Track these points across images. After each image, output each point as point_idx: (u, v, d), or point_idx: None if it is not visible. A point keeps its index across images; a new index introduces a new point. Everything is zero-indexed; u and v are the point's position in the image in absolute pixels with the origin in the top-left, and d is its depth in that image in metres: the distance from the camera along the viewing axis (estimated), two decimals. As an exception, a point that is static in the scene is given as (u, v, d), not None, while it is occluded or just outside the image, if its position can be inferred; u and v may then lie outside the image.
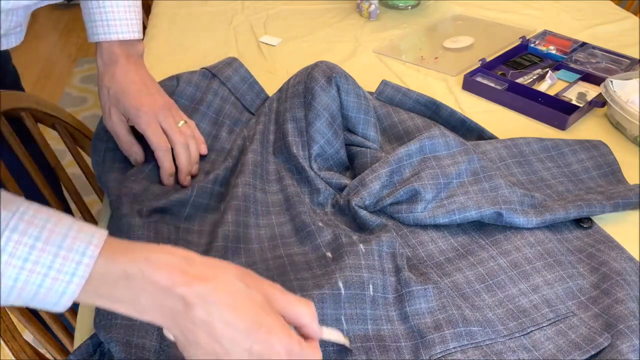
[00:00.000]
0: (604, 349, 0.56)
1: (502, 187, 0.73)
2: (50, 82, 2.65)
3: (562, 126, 0.91)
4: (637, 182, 0.79)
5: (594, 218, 0.73)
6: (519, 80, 1.03)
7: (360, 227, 0.71)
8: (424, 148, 0.76)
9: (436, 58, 1.14)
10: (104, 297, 0.43)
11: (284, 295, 0.46)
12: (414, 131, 0.83)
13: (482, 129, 0.87)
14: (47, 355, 0.74)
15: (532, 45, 1.15)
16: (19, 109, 0.84)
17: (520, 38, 1.17)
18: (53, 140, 1.02)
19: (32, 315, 0.70)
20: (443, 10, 1.35)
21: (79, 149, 0.95)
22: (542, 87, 1.02)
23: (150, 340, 0.55)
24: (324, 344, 0.55)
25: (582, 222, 0.72)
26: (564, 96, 0.99)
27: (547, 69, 1.06)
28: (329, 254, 0.65)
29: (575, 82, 1.03)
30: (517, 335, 0.58)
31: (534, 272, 0.65)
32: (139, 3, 0.79)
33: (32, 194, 0.84)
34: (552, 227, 0.71)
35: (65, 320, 0.78)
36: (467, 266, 0.66)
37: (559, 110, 0.92)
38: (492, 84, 1.01)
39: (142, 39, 0.80)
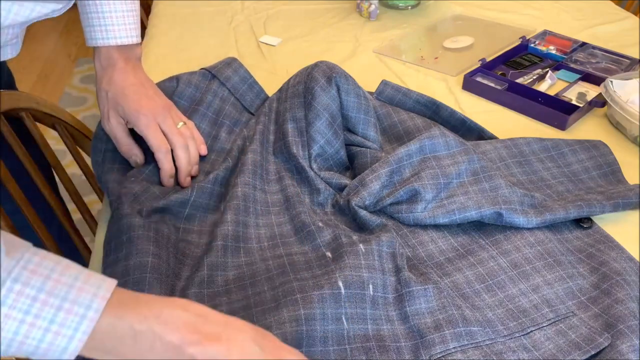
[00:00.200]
0: (604, 349, 0.56)
1: (502, 187, 0.73)
2: (50, 82, 2.65)
3: (562, 126, 0.91)
4: (637, 182, 0.79)
5: (594, 218, 0.73)
6: (519, 80, 1.03)
7: (360, 227, 0.71)
8: (424, 148, 0.76)
9: (436, 58, 1.14)
10: (110, 352, 0.41)
11: None
12: (414, 131, 0.83)
13: (482, 129, 0.87)
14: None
15: (532, 45, 1.15)
16: (19, 109, 0.84)
17: (520, 38, 1.17)
18: (53, 140, 1.02)
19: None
20: (443, 10, 1.35)
21: (79, 149, 0.95)
22: (542, 87, 1.02)
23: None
24: (324, 344, 0.55)
25: (582, 222, 0.72)
26: (564, 96, 0.99)
27: (547, 69, 1.06)
28: (328, 254, 0.65)
29: (575, 82, 1.03)
30: (517, 335, 0.58)
31: (534, 272, 0.65)
32: (137, 7, 0.79)
33: (32, 194, 0.84)
34: (552, 227, 0.71)
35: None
36: (467, 266, 0.66)
37: (559, 110, 0.92)
38: (492, 84, 1.01)
39: (141, 43, 0.80)
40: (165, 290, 0.60)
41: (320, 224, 0.69)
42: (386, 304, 0.61)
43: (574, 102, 0.98)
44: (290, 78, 0.88)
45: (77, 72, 2.71)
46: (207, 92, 0.86)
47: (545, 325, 0.59)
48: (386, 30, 1.25)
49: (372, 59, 1.14)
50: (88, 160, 0.85)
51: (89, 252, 0.93)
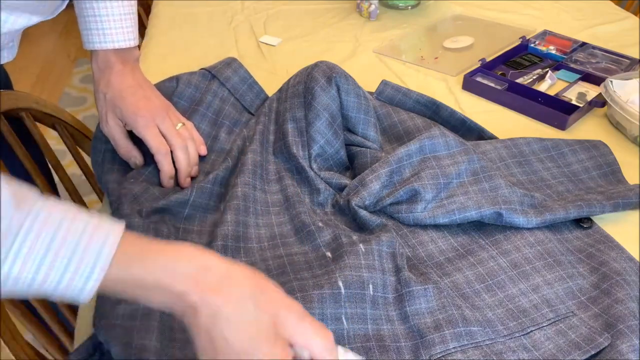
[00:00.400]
0: (604, 349, 0.56)
1: (502, 187, 0.73)
2: (50, 82, 2.65)
3: (562, 126, 0.91)
4: (637, 182, 0.79)
5: (594, 218, 0.73)
6: (519, 80, 1.03)
7: (360, 227, 0.71)
8: (424, 148, 0.76)
9: (436, 58, 1.14)
10: (120, 295, 0.44)
11: (298, 322, 0.45)
12: (414, 131, 0.83)
13: (482, 129, 0.87)
14: (47, 356, 0.74)
15: (532, 45, 1.15)
16: (19, 109, 0.84)
17: (520, 38, 1.17)
18: (53, 140, 1.02)
19: (32, 315, 0.70)
20: (443, 10, 1.35)
21: (79, 149, 0.95)
22: (542, 87, 1.02)
23: (150, 341, 0.55)
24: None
25: (582, 222, 0.72)
26: (564, 96, 0.99)
27: (547, 69, 1.06)
28: (328, 254, 0.65)
29: (575, 82, 1.03)
30: (517, 335, 0.58)
31: (534, 272, 0.65)
32: (135, 9, 0.79)
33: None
34: (552, 227, 0.71)
35: (66, 320, 0.78)
36: (467, 266, 0.66)
37: (559, 110, 0.92)
38: (492, 84, 1.01)
39: (139, 45, 0.80)
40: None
41: (320, 224, 0.69)
42: (386, 303, 0.61)
43: (574, 102, 0.98)
44: (290, 78, 0.88)
45: (76, 72, 2.71)
46: (207, 93, 0.86)
47: (545, 325, 0.59)
48: (386, 30, 1.25)
49: (372, 59, 1.14)
50: (88, 160, 0.85)
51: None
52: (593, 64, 1.09)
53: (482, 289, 0.63)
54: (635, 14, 1.39)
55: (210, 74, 0.89)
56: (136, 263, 0.43)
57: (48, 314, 0.73)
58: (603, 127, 0.93)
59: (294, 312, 0.45)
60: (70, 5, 0.77)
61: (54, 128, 0.91)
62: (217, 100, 0.86)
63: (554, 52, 1.13)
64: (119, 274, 0.43)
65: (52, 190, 0.90)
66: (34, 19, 0.61)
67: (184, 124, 0.78)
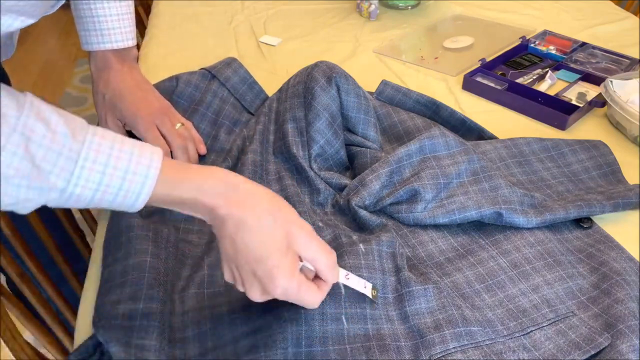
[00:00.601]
0: (604, 349, 0.56)
1: (502, 187, 0.73)
2: (50, 82, 2.65)
3: (562, 126, 0.91)
4: (637, 182, 0.79)
5: (594, 218, 0.73)
6: (519, 80, 1.03)
7: (360, 227, 0.71)
8: (424, 148, 0.76)
9: (436, 58, 1.14)
10: (164, 206, 0.52)
11: (308, 239, 0.53)
12: (414, 131, 0.83)
13: (482, 129, 0.87)
14: (47, 355, 0.74)
15: (532, 45, 1.15)
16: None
17: (520, 38, 1.17)
18: (53, 140, 1.01)
19: (32, 315, 0.70)
20: (443, 10, 1.35)
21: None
22: (542, 87, 1.02)
23: (150, 340, 0.55)
24: (324, 344, 0.55)
25: (582, 222, 0.72)
26: (564, 96, 0.99)
27: (547, 69, 1.06)
28: (329, 254, 0.65)
29: (575, 82, 1.03)
30: (517, 335, 0.58)
31: (533, 272, 0.65)
32: (132, 9, 0.79)
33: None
34: (552, 227, 0.71)
35: (65, 320, 0.78)
36: (467, 266, 0.66)
37: (559, 110, 0.92)
38: (492, 84, 1.01)
39: (138, 45, 0.80)
40: (164, 290, 0.60)
41: (320, 224, 0.69)
42: (386, 303, 0.61)
43: (574, 102, 0.98)
44: (290, 78, 0.88)
45: (77, 72, 2.71)
46: (207, 93, 0.86)
47: (545, 325, 0.59)
48: (386, 30, 1.25)
49: (372, 59, 1.14)
50: (88, 160, 0.85)
51: (89, 250, 0.93)
52: (593, 64, 1.09)
53: (482, 289, 0.63)
54: (635, 14, 1.39)
55: (210, 74, 0.89)
56: (176, 184, 0.51)
57: (48, 314, 0.74)
58: (603, 127, 0.93)
59: (304, 231, 0.53)
60: (70, 6, 0.77)
61: (54, 128, 0.91)
62: (217, 100, 0.86)
63: (554, 52, 1.13)
64: (162, 193, 0.50)
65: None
66: (31, 21, 0.61)
67: (183, 124, 0.78)
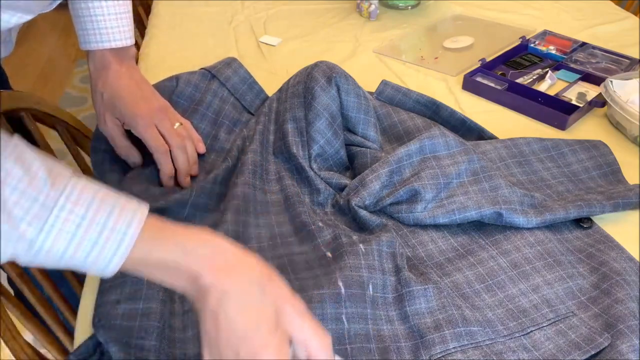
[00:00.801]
0: (604, 349, 0.56)
1: (502, 187, 0.73)
2: (50, 82, 2.65)
3: (562, 126, 0.91)
4: (637, 182, 0.79)
5: (594, 218, 0.73)
6: (519, 80, 1.03)
7: (360, 227, 0.71)
8: (424, 148, 0.76)
9: (436, 58, 1.14)
10: (141, 272, 0.47)
11: (299, 318, 0.47)
12: (414, 131, 0.83)
13: (482, 129, 0.87)
14: (47, 355, 0.74)
15: (532, 45, 1.15)
16: (19, 109, 0.84)
17: (520, 38, 1.17)
18: (53, 140, 1.02)
19: (32, 315, 0.70)
20: (443, 10, 1.35)
21: (79, 149, 0.95)
22: (542, 87, 1.02)
23: (150, 341, 0.55)
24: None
25: (582, 222, 0.72)
26: (564, 96, 0.99)
27: (547, 69, 1.06)
28: (328, 254, 0.65)
29: (575, 82, 1.03)
30: (517, 335, 0.58)
31: (533, 272, 0.65)
32: (130, 8, 0.78)
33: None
34: (552, 227, 0.71)
35: (65, 320, 0.78)
36: (467, 266, 0.66)
37: (559, 110, 0.92)
38: (492, 84, 1.01)
39: (138, 45, 0.80)
40: (164, 290, 0.60)
41: (320, 224, 0.69)
42: (386, 303, 0.61)
43: (574, 102, 0.98)
44: (290, 78, 0.88)
45: (77, 72, 2.71)
46: (207, 92, 0.86)
47: (545, 325, 0.59)
48: (386, 30, 1.25)
49: (372, 59, 1.14)
50: (88, 160, 0.85)
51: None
52: (593, 64, 1.09)
53: (482, 289, 0.63)
54: (635, 14, 1.39)
55: (210, 73, 0.89)
56: (157, 244, 0.46)
57: (48, 314, 0.73)
58: (603, 127, 0.93)
59: (297, 308, 0.47)
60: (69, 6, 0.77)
61: (54, 128, 0.91)
62: (217, 100, 0.86)
63: (554, 52, 1.13)
64: (141, 254, 0.46)
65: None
66: (28, 17, 0.61)
67: (181, 124, 0.78)
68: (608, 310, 0.60)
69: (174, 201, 0.71)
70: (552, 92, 0.99)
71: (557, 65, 1.08)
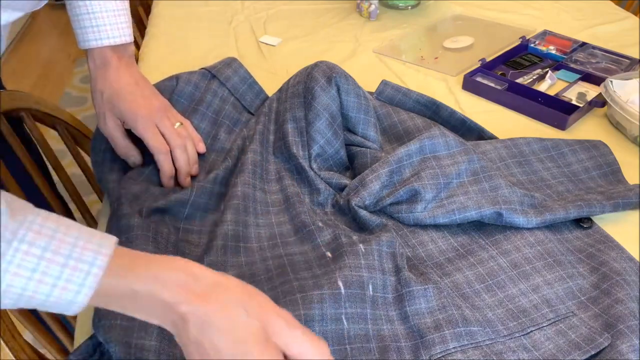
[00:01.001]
0: (604, 349, 0.56)
1: (502, 187, 0.73)
2: (50, 82, 2.65)
3: (562, 126, 0.91)
4: (637, 182, 0.79)
5: (594, 218, 0.73)
6: (519, 80, 1.03)
7: (360, 227, 0.71)
8: (424, 148, 0.76)
9: (436, 58, 1.14)
10: (111, 306, 0.44)
11: (289, 330, 0.44)
12: (414, 131, 0.83)
13: (482, 129, 0.87)
14: (47, 355, 0.74)
15: (532, 45, 1.15)
16: (19, 109, 0.84)
17: (520, 38, 1.17)
18: (53, 140, 1.02)
19: (32, 315, 0.70)
20: (443, 10, 1.35)
21: (79, 149, 0.95)
22: (542, 87, 1.02)
23: (150, 341, 0.55)
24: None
25: (582, 222, 0.72)
26: (564, 96, 0.99)
27: (547, 69, 1.06)
28: (328, 254, 0.65)
29: (575, 82, 1.03)
30: (517, 335, 0.58)
31: (534, 272, 0.65)
32: (127, 5, 0.78)
33: (32, 194, 0.84)
34: (552, 227, 0.71)
35: (65, 320, 0.78)
36: (467, 266, 0.66)
37: (559, 110, 0.92)
38: (492, 84, 1.01)
39: (138, 45, 0.80)
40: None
41: (320, 224, 0.69)
42: (386, 304, 0.61)
43: (574, 102, 0.98)
44: (290, 78, 0.88)
45: (77, 72, 2.71)
46: (207, 92, 0.86)
47: (545, 325, 0.59)
48: (386, 30, 1.25)
49: (372, 59, 1.14)
50: (88, 160, 0.85)
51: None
52: (593, 64, 1.09)
53: (482, 289, 0.63)
54: (635, 14, 1.39)
55: (210, 73, 0.89)
56: (128, 273, 0.43)
57: (48, 314, 0.74)
58: (603, 127, 0.93)
59: (285, 319, 0.45)
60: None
61: (54, 128, 0.91)
62: (217, 99, 0.86)
63: (554, 52, 1.13)
64: (110, 285, 0.43)
65: (52, 190, 0.90)
66: (16, 14, 0.61)
67: (182, 123, 0.77)
68: (608, 310, 0.60)
69: (174, 201, 0.71)
70: (552, 92, 0.99)
71: (557, 65, 1.08)
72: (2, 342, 0.67)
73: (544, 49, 1.14)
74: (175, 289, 0.43)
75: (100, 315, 0.57)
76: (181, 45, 1.18)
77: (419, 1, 1.36)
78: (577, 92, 1.01)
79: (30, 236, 0.41)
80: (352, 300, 0.59)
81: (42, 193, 0.86)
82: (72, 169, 1.07)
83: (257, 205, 0.73)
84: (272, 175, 0.78)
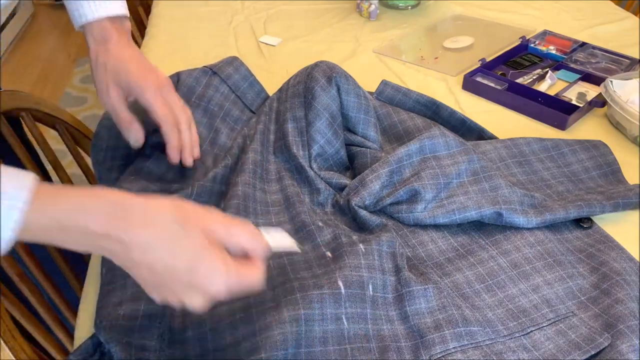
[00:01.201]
0: (604, 349, 0.56)
1: (502, 187, 0.73)
2: (50, 82, 2.65)
3: (562, 126, 0.91)
4: (637, 182, 0.79)
5: (594, 218, 0.73)
6: (519, 80, 1.03)
7: (360, 227, 0.71)
8: (424, 148, 0.76)
9: (436, 58, 1.14)
10: (42, 239, 0.44)
11: (224, 226, 0.48)
12: (414, 131, 0.83)
13: (482, 129, 0.87)
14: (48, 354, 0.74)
15: (532, 45, 1.15)
16: (19, 109, 0.84)
17: (520, 38, 1.17)
18: (53, 140, 1.02)
19: (32, 315, 0.70)
20: (443, 10, 1.35)
21: (79, 149, 0.95)
22: (542, 87, 1.02)
23: (150, 341, 0.55)
24: (325, 344, 0.55)
25: (582, 222, 0.72)
26: (564, 96, 0.99)
27: (547, 69, 1.06)
28: (328, 254, 0.65)
29: (575, 82, 1.03)
30: (517, 335, 0.58)
31: (534, 272, 0.65)
32: None
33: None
34: (552, 227, 0.71)
35: (66, 320, 0.78)
36: (467, 266, 0.66)
37: (559, 110, 0.92)
38: (492, 84, 1.01)
39: (129, 17, 0.78)
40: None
41: (320, 224, 0.69)
42: (386, 303, 0.61)
43: (574, 102, 0.98)
44: (291, 78, 0.88)
45: (77, 72, 2.71)
46: (208, 88, 0.86)
47: (545, 325, 0.59)
48: (386, 30, 1.25)
49: (372, 59, 1.14)
50: (88, 160, 0.85)
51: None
52: (593, 64, 1.09)
53: (482, 289, 0.63)
54: (635, 14, 1.39)
55: (211, 70, 0.89)
56: (54, 207, 0.43)
57: (48, 314, 0.74)
58: (603, 127, 0.93)
59: (217, 220, 0.48)
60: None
61: (54, 128, 0.91)
62: (218, 95, 0.86)
63: (554, 52, 1.13)
64: (37, 219, 0.42)
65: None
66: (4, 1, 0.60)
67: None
68: (608, 310, 0.60)
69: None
70: (552, 92, 0.99)
71: (557, 65, 1.08)
72: (2, 342, 0.67)
73: (544, 49, 1.14)
74: (103, 217, 0.43)
75: (102, 317, 0.57)
76: (181, 45, 1.18)
77: (419, 1, 1.36)
78: (577, 92, 1.01)
79: None
80: (352, 300, 0.59)
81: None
82: (72, 169, 1.07)
83: (257, 205, 0.73)
84: (272, 175, 0.79)
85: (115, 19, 0.75)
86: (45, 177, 0.95)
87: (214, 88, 0.86)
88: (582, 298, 0.62)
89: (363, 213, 0.70)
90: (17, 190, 0.42)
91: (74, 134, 0.94)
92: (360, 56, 1.14)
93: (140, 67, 0.73)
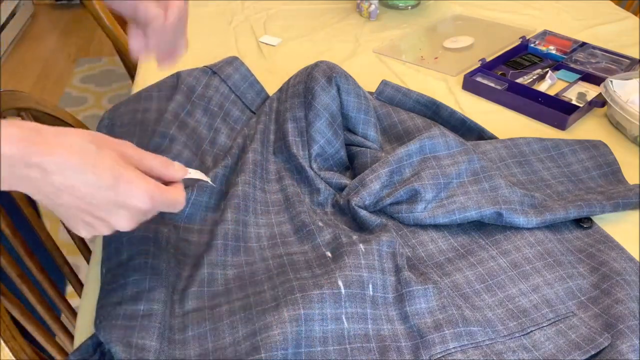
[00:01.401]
0: (604, 349, 0.56)
1: (502, 187, 0.73)
2: (50, 82, 2.65)
3: (562, 126, 0.91)
4: (637, 182, 0.79)
5: (594, 218, 0.73)
6: (519, 80, 1.03)
7: (360, 227, 0.71)
8: (424, 148, 0.76)
9: (436, 58, 1.14)
10: None
11: (136, 152, 0.50)
12: (414, 131, 0.83)
13: (482, 129, 0.87)
14: (49, 354, 0.74)
15: (532, 45, 1.15)
16: (19, 109, 0.84)
17: (520, 38, 1.17)
18: (53, 140, 1.02)
19: (32, 315, 0.70)
20: (443, 10, 1.35)
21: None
22: (542, 87, 1.02)
23: (151, 340, 0.55)
24: (325, 344, 0.55)
25: (582, 222, 0.72)
26: (564, 96, 0.99)
27: (547, 69, 1.06)
28: (328, 254, 0.65)
29: (575, 82, 1.03)
30: (517, 335, 0.58)
31: (534, 272, 0.65)
32: None
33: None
34: (552, 227, 0.71)
35: (66, 320, 0.78)
36: (467, 266, 0.66)
37: (559, 110, 0.92)
38: (492, 84, 1.01)
39: None
40: (166, 290, 0.60)
41: (320, 224, 0.69)
42: (386, 303, 0.61)
43: (574, 102, 0.98)
44: (291, 78, 0.88)
45: (77, 72, 2.71)
46: (208, 88, 0.86)
47: (545, 325, 0.59)
48: (386, 30, 1.25)
49: (372, 59, 1.14)
50: (88, 160, 0.85)
51: (89, 252, 0.93)
52: (593, 64, 1.09)
53: (482, 289, 0.63)
54: (635, 14, 1.39)
55: (211, 70, 0.89)
56: None
57: (48, 314, 0.74)
58: (603, 127, 0.93)
59: (128, 146, 0.49)
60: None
61: (54, 128, 0.91)
62: (218, 94, 0.86)
63: (554, 52, 1.13)
64: None
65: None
66: None
67: None
68: (608, 310, 0.60)
69: (174, 201, 0.71)
70: (552, 92, 0.99)
71: (557, 65, 1.08)
72: (2, 342, 0.67)
73: (544, 49, 1.14)
74: (20, 143, 0.43)
75: (102, 317, 0.57)
76: (181, 45, 1.18)
77: (419, 1, 1.36)
78: (577, 92, 1.01)
79: None
80: (352, 300, 0.59)
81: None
82: None
83: (257, 205, 0.73)
84: (273, 175, 0.79)
85: None
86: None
87: (214, 88, 0.86)
88: (582, 298, 0.62)
89: (363, 213, 0.70)
90: None
91: (74, 134, 0.94)
92: (360, 56, 1.14)
93: None
